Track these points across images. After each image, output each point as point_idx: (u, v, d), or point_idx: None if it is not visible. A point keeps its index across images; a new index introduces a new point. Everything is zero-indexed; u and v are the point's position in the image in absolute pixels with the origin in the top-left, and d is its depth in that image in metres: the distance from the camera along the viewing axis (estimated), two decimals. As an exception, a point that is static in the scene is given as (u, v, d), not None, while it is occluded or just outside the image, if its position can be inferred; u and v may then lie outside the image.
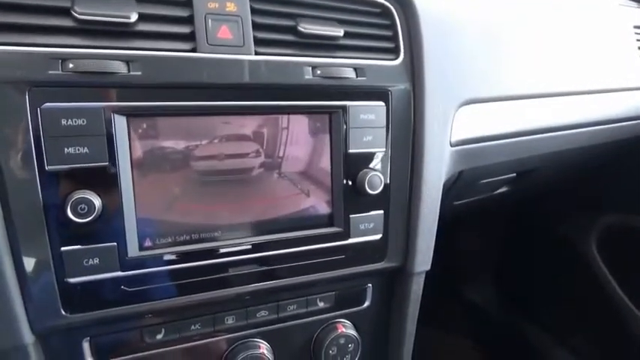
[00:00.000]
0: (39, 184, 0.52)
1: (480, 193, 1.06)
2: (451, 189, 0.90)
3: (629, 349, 1.61)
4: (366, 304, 0.76)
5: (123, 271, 0.57)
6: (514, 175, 1.03)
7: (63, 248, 0.54)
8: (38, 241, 0.53)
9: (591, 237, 1.74)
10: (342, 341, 0.72)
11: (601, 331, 1.70)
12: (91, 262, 0.55)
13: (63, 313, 0.55)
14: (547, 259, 1.90)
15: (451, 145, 0.77)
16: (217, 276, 0.62)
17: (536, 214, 1.83)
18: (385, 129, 0.70)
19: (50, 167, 0.52)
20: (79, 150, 0.53)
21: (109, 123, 0.54)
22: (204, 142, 0.61)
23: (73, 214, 0.52)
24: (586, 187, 1.65)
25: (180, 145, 0.60)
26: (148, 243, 0.59)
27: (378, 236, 0.72)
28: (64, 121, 0.52)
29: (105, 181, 0.55)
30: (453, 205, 1.03)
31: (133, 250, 0.57)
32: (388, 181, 0.71)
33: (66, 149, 0.53)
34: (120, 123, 0.55)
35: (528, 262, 2.00)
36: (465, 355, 2.09)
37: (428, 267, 0.76)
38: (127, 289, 0.57)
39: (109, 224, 0.55)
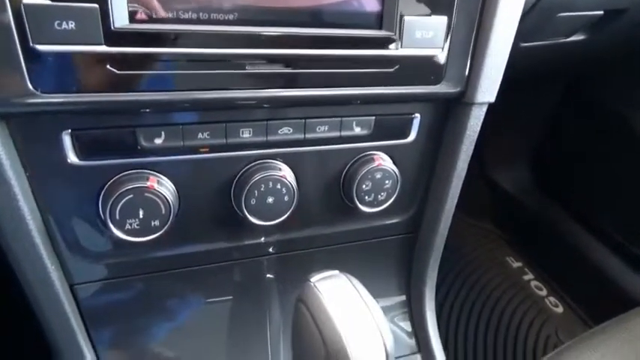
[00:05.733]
0: None
1: (554, 34, 0.87)
2: (526, 17, 0.72)
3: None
4: (411, 137, 0.63)
5: (108, 46, 0.43)
6: (600, 13, 0.84)
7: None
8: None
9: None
10: (378, 176, 0.60)
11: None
12: (64, 26, 0.41)
13: (31, 89, 0.43)
14: (599, 147, 1.73)
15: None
16: (231, 72, 0.48)
17: (596, 95, 1.64)
18: None
19: None
20: None
21: None
22: None
23: None
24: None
25: None
26: (141, 14, 0.45)
27: (437, 51, 0.56)
28: None
29: None
30: (518, 47, 0.86)
31: (120, 19, 0.43)
32: (460, -27, 0.53)
33: None
34: None
35: (576, 149, 1.84)
36: (486, 241, 2.04)
37: (492, 99, 0.61)
38: (114, 70, 0.44)
39: None
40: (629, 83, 1.52)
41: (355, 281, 0.44)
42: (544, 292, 1.85)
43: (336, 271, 0.44)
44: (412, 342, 0.68)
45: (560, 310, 1.80)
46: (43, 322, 0.53)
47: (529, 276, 1.90)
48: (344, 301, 0.42)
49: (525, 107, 1.80)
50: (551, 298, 1.84)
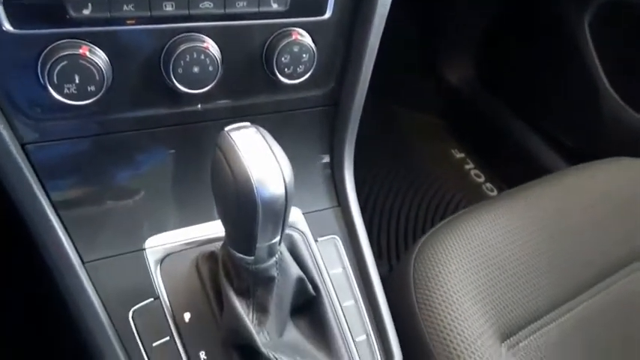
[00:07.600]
0: None
1: None
2: None
3: (602, 134, 1.65)
4: (327, 15, 0.68)
5: None
6: None
7: None
8: None
9: (585, 15, 1.64)
10: (295, 49, 0.66)
11: (577, 116, 1.73)
12: None
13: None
14: (535, 43, 1.82)
15: None
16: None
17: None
18: None
19: None
20: None
21: None
22: None
23: None
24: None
25: None
26: None
27: None
28: None
29: None
30: None
31: None
32: None
33: None
34: None
35: (515, 45, 1.92)
36: (431, 133, 2.16)
37: (400, -24, 0.67)
38: (34, -61, 0.48)
39: None
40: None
41: (262, 130, 0.53)
42: (482, 180, 2.02)
43: (248, 123, 0.53)
44: (334, 197, 0.81)
45: (494, 194, 1.98)
46: (4, 181, 0.61)
47: (470, 165, 2.06)
48: (251, 144, 0.51)
49: (467, 7, 1.84)
50: (488, 184, 2.01)
